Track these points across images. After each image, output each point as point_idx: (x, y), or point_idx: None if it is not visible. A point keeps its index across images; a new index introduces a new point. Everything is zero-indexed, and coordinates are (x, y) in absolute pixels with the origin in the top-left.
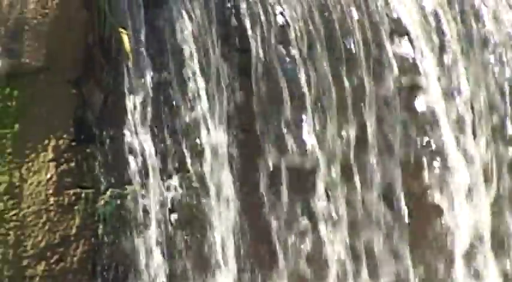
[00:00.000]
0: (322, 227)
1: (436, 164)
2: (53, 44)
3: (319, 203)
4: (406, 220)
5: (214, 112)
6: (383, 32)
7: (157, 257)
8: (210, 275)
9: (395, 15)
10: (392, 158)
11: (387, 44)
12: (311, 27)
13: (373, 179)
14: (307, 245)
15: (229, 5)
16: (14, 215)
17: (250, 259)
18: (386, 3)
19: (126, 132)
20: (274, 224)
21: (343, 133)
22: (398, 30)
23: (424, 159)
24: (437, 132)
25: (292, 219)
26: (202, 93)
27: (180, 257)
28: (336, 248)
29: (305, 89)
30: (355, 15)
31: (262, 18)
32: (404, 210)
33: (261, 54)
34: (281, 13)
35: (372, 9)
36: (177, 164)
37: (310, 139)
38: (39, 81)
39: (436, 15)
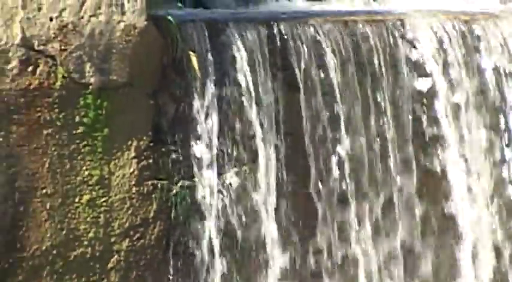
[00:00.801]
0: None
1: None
2: (135, 64)
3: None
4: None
5: (264, 118)
6: (401, 59)
7: (215, 234)
8: (260, 248)
9: (411, 43)
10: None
11: (404, 68)
12: (343, 52)
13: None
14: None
15: (275, 30)
16: (104, 201)
17: (294, 242)
18: (403, 36)
19: (193, 135)
20: (314, 211)
21: (368, 137)
22: (414, 57)
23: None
24: (445, 150)
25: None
26: (254, 103)
27: (233, 234)
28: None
29: (338, 100)
30: (378, 43)
31: (304, 43)
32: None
33: (302, 73)
34: (318, 41)
35: (391, 39)
36: (233, 161)
37: (342, 140)
38: (124, 94)
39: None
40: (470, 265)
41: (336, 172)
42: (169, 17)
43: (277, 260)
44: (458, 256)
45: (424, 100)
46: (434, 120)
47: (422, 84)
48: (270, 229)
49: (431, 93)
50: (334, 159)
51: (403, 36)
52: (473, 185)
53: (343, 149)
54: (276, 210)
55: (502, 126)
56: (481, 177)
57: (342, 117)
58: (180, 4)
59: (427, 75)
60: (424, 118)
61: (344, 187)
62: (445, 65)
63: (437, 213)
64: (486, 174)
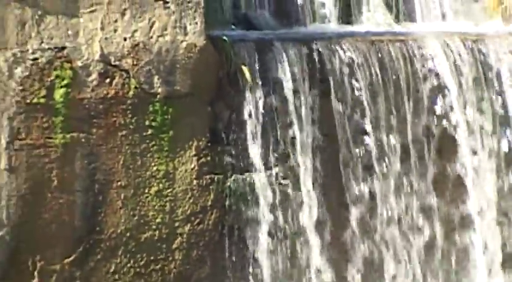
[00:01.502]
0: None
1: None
2: (195, 77)
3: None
4: None
5: (303, 122)
6: (419, 72)
7: (264, 221)
8: (301, 230)
9: (428, 59)
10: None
11: (421, 79)
12: (370, 67)
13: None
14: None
15: (313, 48)
16: (169, 192)
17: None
18: (422, 55)
19: (244, 136)
20: (348, 201)
21: (391, 139)
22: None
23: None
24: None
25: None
26: (295, 109)
27: (278, 219)
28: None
29: (366, 106)
30: (400, 59)
31: (337, 59)
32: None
33: (335, 84)
34: (350, 57)
35: (411, 56)
36: (278, 159)
37: (369, 141)
38: (186, 102)
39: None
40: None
41: (363, 163)
42: (224, 37)
43: (316, 240)
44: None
45: (439, 104)
46: (447, 119)
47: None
48: (310, 213)
49: (446, 98)
50: (362, 154)
51: (421, 54)
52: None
53: (369, 147)
54: (314, 197)
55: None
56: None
57: (369, 121)
58: (233, 26)
59: (441, 84)
60: (437, 117)
61: (369, 175)
62: (457, 76)
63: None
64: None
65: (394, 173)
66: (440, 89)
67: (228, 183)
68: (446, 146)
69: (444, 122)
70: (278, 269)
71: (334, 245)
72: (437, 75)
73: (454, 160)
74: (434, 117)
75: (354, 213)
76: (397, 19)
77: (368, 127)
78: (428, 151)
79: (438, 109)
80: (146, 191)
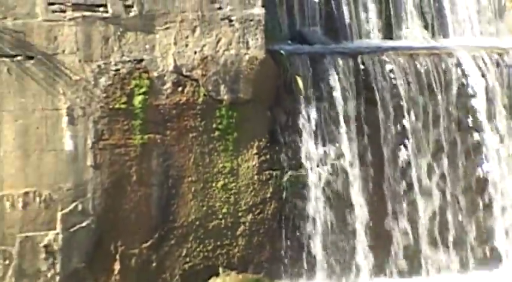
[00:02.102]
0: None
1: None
2: (256, 86)
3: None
4: None
5: (350, 125)
6: (451, 81)
7: (315, 210)
8: (349, 218)
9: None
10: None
11: (454, 87)
12: (409, 77)
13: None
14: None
15: (359, 61)
16: (234, 186)
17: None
18: (453, 64)
19: (299, 137)
20: (391, 201)
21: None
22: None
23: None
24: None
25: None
26: (343, 113)
27: (328, 212)
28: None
29: (405, 111)
30: (434, 70)
31: (380, 70)
32: None
33: (378, 91)
34: (391, 69)
35: (444, 67)
36: (327, 158)
37: (408, 143)
38: (248, 107)
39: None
40: None
41: (401, 161)
42: (282, 51)
43: (360, 228)
44: None
45: (468, 106)
46: (476, 122)
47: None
48: (359, 201)
49: (474, 101)
50: (402, 153)
51: (453, 65)
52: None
53: (408, 146)
54: (360, 191)
55: None
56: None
57: (408, 123)
58: (289, 41)
59: (471, 92)
60: (468, 121)
61: (407, 171)
62: (484, 83)
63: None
64: None
65: (427, 165)
66: (469, 95)
67: (285, 179)
68: (474, 143)
69: (471, 120)
70: (328, 251)
71: (375, 233)
72: (466, 82)
73: (480, 154)
74: (464, 117)
75: (395, 204)
76: (432, 35)
77: (407, 126)
78: (459, 145)
79: (467, 111)
80: (213, 185)
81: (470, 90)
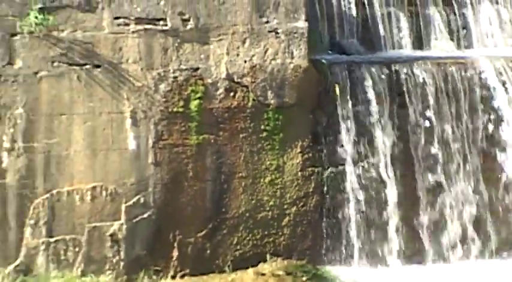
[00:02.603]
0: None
1: None
2: (300, 91)
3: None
4: None
5: (384, 127)
6: (475, 87)
7: (352, 203)
8: (383, 209)
9: (482, 77)
10: None
11: (477, 93)
12: (436, 83)
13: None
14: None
15: (392, 69)
16: (280, 181)
17: (405, 217)
18: (476, 72)
19: (338, 138)
20: (421, 195)
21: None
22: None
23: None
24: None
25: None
26: (378, 116)
27: (363, 204)
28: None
29: (432, 114)
30: (460, 77)
31: (411, 77)
32: None
33: (410, 96)
34: (421, 76)
35: (469, 75)
36: (363, 156)
37: (435, 141)
38: (293, 111)
39: None
40: None
41: (430, 157)
42: (323, 60)
43: (392, 217)
44: None
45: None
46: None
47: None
48: (391, 194)
49: (494, 103)
50: (430, 152)
51: (476, 72)
52: None
53: (435, 146)
54: (392, 185)
55: None
56: None
57: (435, 125)
58: (329, 51)
59: (491, 94)
60: (490, 123)
61: (434, 169)
62: (505, 90)
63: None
64: None
65: (455, 162)
66: (490, 98)
67: (325, 174)
68: (495, 142)
69: (493, 120)
70: (364, 239)
71: (406, 223)
72: (488, 88)
73: (500, 152)
74: (486, 117)
75: (424, 198)
76: (458, 46)
77: (435, 127)
78: (481, 143)
79: (488, 112)
80: (261, 180)
81: (490, 93)
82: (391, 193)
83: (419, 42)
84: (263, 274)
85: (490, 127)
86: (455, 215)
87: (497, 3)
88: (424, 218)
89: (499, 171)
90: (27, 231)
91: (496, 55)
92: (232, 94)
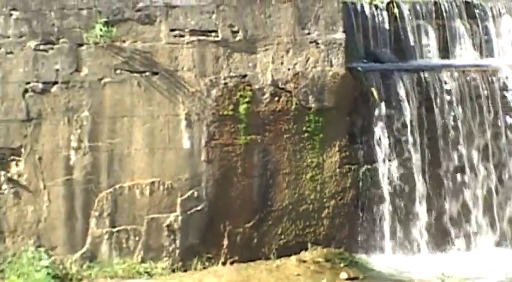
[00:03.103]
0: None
1: None
2: (338, 96)
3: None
4: None
5: (414, 128)
6: (496, 92)
7: (386, 197)
8: (412, 211)
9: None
10: None
11: (498, 98)
12: (461, 88)
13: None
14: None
15: (421, 76)
16: (320, 177)
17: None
18: (498, 79)
19: (372, 138)
20: (446, 189)
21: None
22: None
23: None
24: None
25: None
26: (409, 119)
27: (395, 198)
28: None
29: (458, 117)
30: (482, 83)
31: (438, 83)
32: None
33: (437, 101)
34: (447, 82)
35: (490, 81)
36: (395, 154)
37: (461, 139)
38: (332, 113)
39: None
40: None
41: (456, 155)
42: (358, 68)
43: (421, 209)
44: None
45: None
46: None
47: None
48: (420, 189)
49: None
50: (456, 149)
51: (498, 79)
52: None
53: (462, 146)
54: (421, 181)
55: None
56: None
57: (461, 126)
58: (364, 60)
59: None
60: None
61: (460, 165)
62: None
63: None
64: None
65: (476, 161)
66: (510, 101)
67: (361, 171)
68: None
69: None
70: (395, 229)
71: (434, 215)
72: (508, 91)
73: None
74: (506, 119)
75: (449, 191)
76: (480, 55)
77: (460, 128)
78: (503, 144)
79: (509, 114)
80: (303, 176)
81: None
82: (420, 188)
83: (445, 51)
84: (304, 261)
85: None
86: (478, 206)
87: None
88: (450, 210)
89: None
90: (92, 221)
91: None
92: (277, 98)
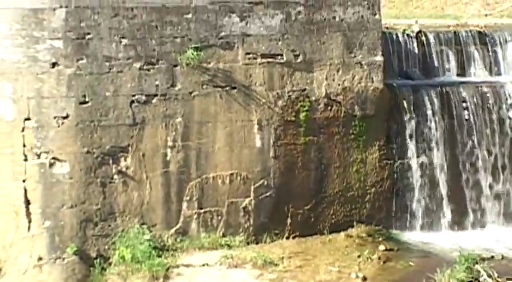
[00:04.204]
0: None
1: None
2: (378, 106)
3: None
4: None
5: (438, 132)
6: (504, 103)
7: (416, 186)
8: (437, 196)
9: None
10: None
11: (504, 107)
12: (475, 100)
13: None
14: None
15: (444, 90)
16: (363, 170)
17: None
18: (504, 93)
19: (404, 139)
20: (464, 178)
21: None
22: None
23: None
24: None
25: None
26: (434, 126)
27: (424, 186)
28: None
29: (473, 125)
30: (492, 96)
31: (457, 97)
32: None
33: (457, 111)
34: (464, 95)
35: (500, 94)
36: (422, 152)
37: (475, 140)
38: (372, 120)
39: None
40: None
41: (471, 153)
42: (394, 84)
43: (445, 197)
44: None
45: None
46: None
47: None
48: (443, 179)
49: None
50: (473, 153)
51: (503, 92)
52: None
53: (475, 142)
54: (443, 175)
55: None
56: None
57: (475, 133)
58: (398, 77)
59: None
60: None
61: (474, 160)
62: None
63: None
64: None
65: (489, 163)
66: None
67: (396, 165)
68: None
69: None
70: (423, 212)
71: (454, 200)
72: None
73: None
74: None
75: (466, 180)
76: (490, 73)
77: (474, 132)
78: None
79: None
80: (350, 169)
81: None
82: (442, 177)
83: (462, 70)
84: (351, 236)
85: None
86: (490, 193)
87: None
88: (468, 195)
89: None
90: (184, 204)
91: None
92: (329, 108)
